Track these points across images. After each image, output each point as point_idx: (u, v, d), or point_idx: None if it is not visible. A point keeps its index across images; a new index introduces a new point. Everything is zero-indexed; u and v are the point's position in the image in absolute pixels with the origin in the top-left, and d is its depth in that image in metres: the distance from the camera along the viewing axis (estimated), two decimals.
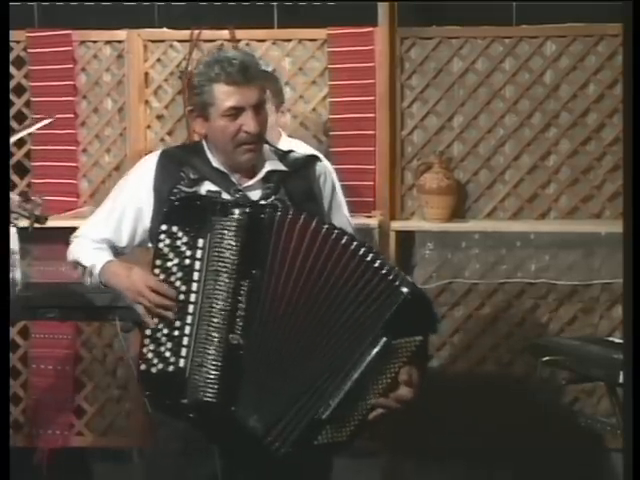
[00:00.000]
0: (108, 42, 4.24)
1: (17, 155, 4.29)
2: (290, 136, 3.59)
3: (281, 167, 2.61)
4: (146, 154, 4.11)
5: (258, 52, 4.07)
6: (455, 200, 4.06)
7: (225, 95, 2.48)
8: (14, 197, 3.06)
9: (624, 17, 2.02)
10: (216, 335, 2.36)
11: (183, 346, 2.38)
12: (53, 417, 4.28)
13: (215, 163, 2.57)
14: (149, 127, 4.26)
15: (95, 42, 4.24)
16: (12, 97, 4.22)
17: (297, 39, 4.12)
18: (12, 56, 4.21)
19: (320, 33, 4.10)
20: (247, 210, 2.40)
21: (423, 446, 4.06)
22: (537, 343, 3.52)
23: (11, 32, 3.87)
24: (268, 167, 2.59)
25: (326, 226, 2.42)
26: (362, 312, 2.38)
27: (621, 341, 3.08)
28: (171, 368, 2.38)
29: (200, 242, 2.39)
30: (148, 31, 4.22)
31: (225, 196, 2.51)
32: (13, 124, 4.24)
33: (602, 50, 4.01)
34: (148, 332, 2.43)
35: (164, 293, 2.40)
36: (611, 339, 3.38)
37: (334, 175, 2.80)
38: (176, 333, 2.39)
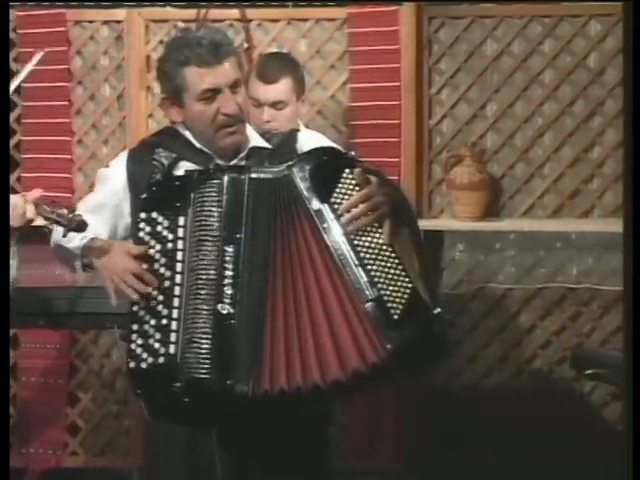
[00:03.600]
0: (106, 22, 4.14)
1: None
2: (307, 126, 3.48)
3: (265, 144, 2.66)
4: None
5: (272, 33, 4.04)
6: (488, 196, 3.98)
7: (198, 78, 2.51)
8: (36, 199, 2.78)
9: None
10: (204, 307, 2.35)
11: (172, 331, 2.36)
12: (44, 435, 4.17)
13: (199, 145, 2.60)
14: (151, 116, 4.13)
15: (91, 22, 4.14)
16: None
17: (314, 19, 4.02)
18: None
19: (340, 12, 4.00)
20: (226, 174, 2.42)
21: (452, 467, 3.91)
22: (579, 354, 3.52)
23: None
24: (252, 144, 2.63)
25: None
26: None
27: None
28: (161, 360, 2.35)
29: (181, 220, 2.41)
30: (150, 10, 4.10)
31: None
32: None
33: None
34: (135, 327, 2.39)
35: (146, 279, 2.39)
36: None
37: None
38: (164, 322, 2.37)
